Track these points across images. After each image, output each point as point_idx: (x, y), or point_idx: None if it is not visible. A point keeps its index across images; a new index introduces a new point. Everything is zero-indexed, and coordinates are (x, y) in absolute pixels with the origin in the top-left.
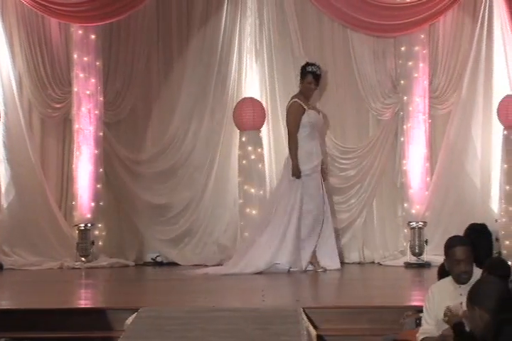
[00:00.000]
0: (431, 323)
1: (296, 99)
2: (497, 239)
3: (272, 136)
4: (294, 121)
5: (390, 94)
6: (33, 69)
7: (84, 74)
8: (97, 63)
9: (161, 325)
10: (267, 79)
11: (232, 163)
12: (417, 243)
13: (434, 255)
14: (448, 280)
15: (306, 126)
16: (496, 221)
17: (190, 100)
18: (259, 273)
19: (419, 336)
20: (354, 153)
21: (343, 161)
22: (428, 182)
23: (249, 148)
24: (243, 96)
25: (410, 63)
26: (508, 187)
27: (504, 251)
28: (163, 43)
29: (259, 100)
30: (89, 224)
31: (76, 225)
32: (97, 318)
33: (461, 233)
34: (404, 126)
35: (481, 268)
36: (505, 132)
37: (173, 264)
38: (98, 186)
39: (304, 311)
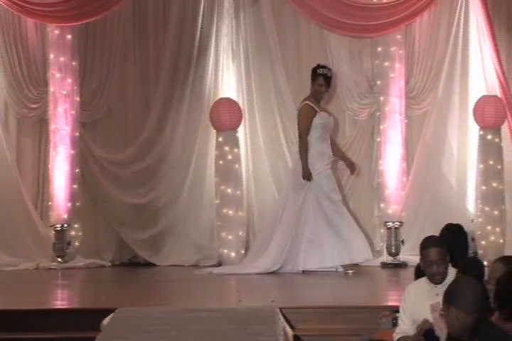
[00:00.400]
0: (407, 323)
1: (307, 102)
2: (473, 239)
3: (248, 136)
4: (305, 123)
5: (367, 94)
6: (9, 69)
7: (61, 74)
8: (74, 63)
9: (138, 325)
10: (244, 80)
11: (209, 164)
12: (393, 243)
13: (411, 255)
14: (424, 280)
15: (317, 128)
16: (472, 221)
17: (166, 100)
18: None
19: (396, 336)
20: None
21: None
22: (404, 182)
23: (226, 148)
24: (220, 97)
25: (387, 63)
26: (484, 188)
27: (480, 251)
28: (140, 43)
29: (236, 100)
30: (65, 225)
31: (52, 225)
32: (73, 319)
33: (437, 233)
34: (381, 126)
35: (456, 268)
36: (481, 132)
37: (149, 265)
38: (74, 186)
39: (281, 311)
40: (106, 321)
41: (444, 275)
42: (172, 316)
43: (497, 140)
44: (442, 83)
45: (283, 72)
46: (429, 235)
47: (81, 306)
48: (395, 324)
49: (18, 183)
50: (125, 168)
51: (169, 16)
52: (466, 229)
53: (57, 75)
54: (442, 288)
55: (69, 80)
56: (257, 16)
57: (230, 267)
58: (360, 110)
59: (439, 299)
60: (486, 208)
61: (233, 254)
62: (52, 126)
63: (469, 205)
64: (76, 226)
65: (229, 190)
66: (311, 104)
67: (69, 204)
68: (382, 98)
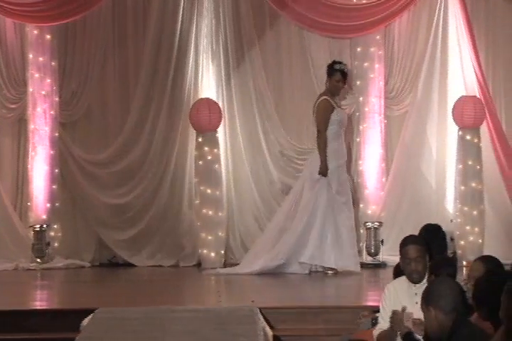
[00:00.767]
0: (387, 321)
1: (325, 97)
2: (452, 239)
3: (228, 136)
4: (324, 118)
5: (346, 94)
6: None
7: (40, 74)
8: (53, 63)
9: (118, 325)
10: (224, 80)
11: (189, 164)
12: (372, 243)
13: (390, 255)
14: (403, 279)
15: (334, 124)
16: (451, 221)
17: (146, 101)
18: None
19: (375, 332)
20: (310, 154)
21: (300, 162)
22: (384, 182)
23: (206, 148)
24: (200, 97)
25: (366, 64)
26: (463, 188)
27: (459, 251)
28: (119, 43)
29: (216, 101)
30: (44, 225)
31: (31, 226)
32: (52, 320)
33: (416, 233)
34: (360, 127)
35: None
36: (460, 133)
37: (129, 265)
38: (54, 187)
39: (261, 311)
40: (85, 321)
41: (422, 274)
42: (152, 316)
43: (476, 140)
44: (421, 83)
45: (263, 72)
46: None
47: (60, 307)
48: (374, 324)
49: None
50: (105, 168)
51: (149, 16)
52: (445, 229)
53: (37, 75)
54: (421, 287)
55: (48, 80)
56: (237, 16)
57: (237, 267)
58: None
59: (418, 298)
60: (465, 208)
61: (213, 254)
62: (31, 127)
63: (448, 205)
64: (55, 226)
65: (209, 191)
66: (329, 100)
67: (48, 205)
68: (361, 98)
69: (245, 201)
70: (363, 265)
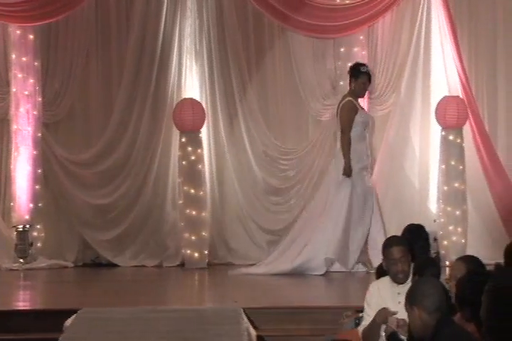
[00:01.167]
0: (372, 316)
1: (350, 98)
2: (435, 240)
3: (211, 136)
4: (348, 119)
5: (330, 95)
6: None
7: (23, 74)
8: (36, 63)
9: (101, 326)
10: (207, 80)
11: (172, 164)
12: None
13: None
14: (387, 279)
15: (358, 126)
16: (435, 221)
17: (129, 101)
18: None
19: (361, 329)
20: (294, 154)
21: (283, 162)
22: None
23: (189, 148)
24: (183, 97)
25: (349, 64)
26: (446, 188)
27: (442, 251)
28: (102, 44)
29: (199, 101)
30: (27, 225)
31: (14, 226)
32: (36, 320)
33: (399, 233)
34: None
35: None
36: (443, 133)
37: (113, 265)
38: (37, 187)
39: (244, 311)
40: (68, 322)
41: (406, 275)
42: (135, 317)
43: (459, 140)
44: (404, 84)
45: (246, 72)
46: (391, 235)
47: (43, 307)
48: (357, 324)
49: None
50: (88, 168)
51: (132, 16)
52: (428, 229)
53: (19, 75)
54: (405, 287)
55: (31, 80)
56: (220, 16)
57: (262, 267)
58: (323, 111)
59: (401, 298)
60: (448, 208)
61: (196, 255)
62: (14, 127)
63: (431, 205)
64: (38, 227)
65: (192, 191)
66: (354, 101)
67: (31, 205)
68: None
69: (229, 201)
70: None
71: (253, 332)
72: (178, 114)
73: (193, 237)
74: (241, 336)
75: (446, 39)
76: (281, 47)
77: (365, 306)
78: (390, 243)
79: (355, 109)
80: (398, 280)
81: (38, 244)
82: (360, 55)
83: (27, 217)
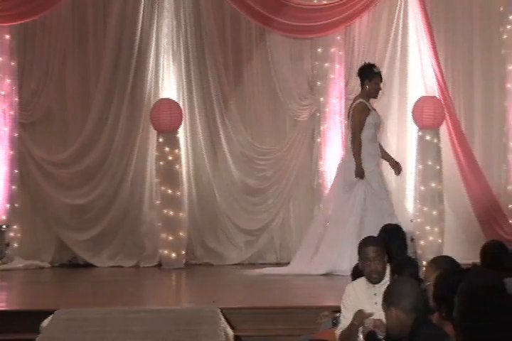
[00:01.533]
0: (349, 318)
1: (362, 100)
2: (412, 239)
3: (189, 137)
4: (360, 121)
5: (307, 95)
6: None
7: None
8: (12, 63)
9: (78, 326)
10: (184, 80)
11: (150, 164)
12: None
13: None
14: (363, 280)
15: (370, 128)
16: (411, 221)
17: (106, 101)
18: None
19: (338, 331)
20: (271, 154)
21: (260, 162)
22: None
23: (167, 149)
24: (160, 97)
25: (327, 64)
26: (423, 188)
27: (419, 251)
28: (80, 43)
29: (177, 101)
30: (4, 226)
31: None
32: (12, 321)
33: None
34: (321, 127)
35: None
36: (420, 133)
37: (90, 266)
38: (13, 187)
39: (222, 312)
40: (45, 323)
41: (381, 275)
42: (112, 317)
43: (436, 140)
44: (381, 84)
45: (223, 72)
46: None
47: (20, 308)
48: (335, 324)
49: None
50: (65, 168)
51: (109, 16)
52: (405, 229)
53: None
54: (380, 288)
55: (7, 80)
56: (198, 16)
57: (282, 268)
58: (301, 111)
59: (378, 299)
60: (425, 208)
61: (174, 255)
62: None
63: (408, 205)
64: (15, 227)
65: (169, 191)
66: (366, 103)
67: (8, 206)
68: (322, 99)
69: (206, 201)
70: None
71: (230, 332)
72: (156, 114)
73: (171, 237)
74: (218, 336)
75: (422, 39)
76: (259, 47)
77: (342, 308)
78: (365, 243)
79: (366, 111)
80: (372, 280)
81: (15, 245)
82: (337, 55)
83: (3, 217)
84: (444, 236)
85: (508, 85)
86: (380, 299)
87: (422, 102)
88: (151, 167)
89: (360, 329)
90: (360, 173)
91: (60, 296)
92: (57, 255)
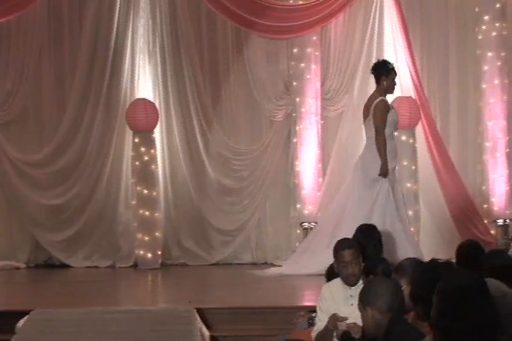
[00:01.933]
0: (325, 321)
1: (382, 97)
2: None
3: (165, 137)
4: (382, 118)
5: (283, 95)
6: None
7: None
8: None
9: (54, 327)
10: (160, 80)
11: (125, 164)
12: None
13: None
14: (338, 281)
15: (389, 126)
16: None
17: (81, 101)
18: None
19: (313, 333)
20: (247, 154)
21: (236, 162)
22: (320, 182)
23: (142, 149)
24: (136, 97)
25: (303, 65)
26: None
27: None
28: (55, 43)
29: (153, 101)
30: None
31: None
32: None
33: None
34: (297, 127)
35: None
36: (396, 133)
37: (65, 266)
38: None
39: (198, 312)
40: (20, 323)
41: (358, 276)
42: (88, 317)
43: (411, 141)
44: (357, 84)
45: (199, 72)
46: (342, 237)
47: None
48: (311, 324)
49: None
50: (40, 168)
51: (85, 16)
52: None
53: None
54: (356, 289)
55: None
56: (173, 16)
57: (288, 267)
58: (276, 111)
59: (354, 300)
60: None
61: (150, 255)
62: None
63: None
64: None
65: (145, 191)
66: (386, 100)
67: None
68: (298, 99)
69: (182, 201)
70: None
71: (206, 333)
72: (131, 114)
73: (146, 238)
74: (194, 336)
75: (398, 39)
76: (235, 48)
77: (318, 310)
78: (341, 246)
79: (387, 108)
80: (349, 283)
81: None
82: (313, 55)
83: None
84: (420, 236)
85: (483, 85)
86: (356, 301)
87: (397, 102)
88: (126, 167)
89: (335, 333)
90: (384, 172)
91: (36, 296)
92: (32, 255)
